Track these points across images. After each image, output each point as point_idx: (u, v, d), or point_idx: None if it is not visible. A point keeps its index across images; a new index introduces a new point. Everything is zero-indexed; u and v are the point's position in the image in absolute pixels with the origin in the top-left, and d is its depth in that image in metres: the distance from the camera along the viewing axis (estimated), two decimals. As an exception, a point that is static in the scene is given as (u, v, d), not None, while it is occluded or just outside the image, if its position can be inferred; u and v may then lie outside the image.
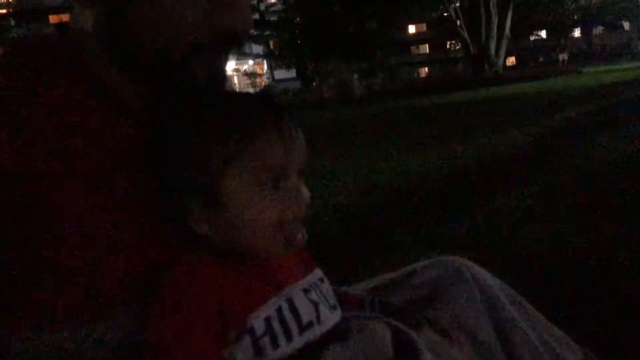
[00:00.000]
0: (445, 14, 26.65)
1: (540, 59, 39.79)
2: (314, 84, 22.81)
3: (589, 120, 5.84)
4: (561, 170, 3.53)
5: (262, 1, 37.21)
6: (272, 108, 0.72)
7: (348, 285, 1.03)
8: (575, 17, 38.57)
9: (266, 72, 44.43)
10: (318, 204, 3.24)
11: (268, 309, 0.69)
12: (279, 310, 0.70)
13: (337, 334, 0.74)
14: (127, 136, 0.71)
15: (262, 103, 0.73)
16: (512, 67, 35.94)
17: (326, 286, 0.80)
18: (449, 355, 0.82)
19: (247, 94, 0.78)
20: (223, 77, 0.76)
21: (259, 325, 0.68)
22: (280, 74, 41.04)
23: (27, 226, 0.64)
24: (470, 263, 0.99)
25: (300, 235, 0.72)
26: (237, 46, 0.73)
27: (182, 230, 0.71)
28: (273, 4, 37.93)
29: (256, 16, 34.61)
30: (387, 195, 3.46)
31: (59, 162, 0.65)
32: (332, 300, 0.78)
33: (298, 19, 32.88)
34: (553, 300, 1.58)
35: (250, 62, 45.51)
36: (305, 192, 0.73)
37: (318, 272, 0.81)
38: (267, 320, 0.68)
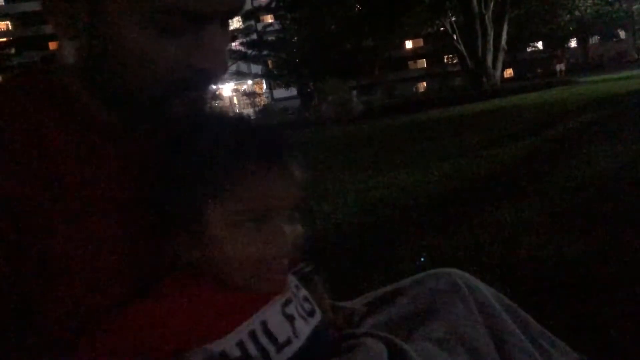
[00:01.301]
0: (441, 29, 26.82)
1: (538, 70, 39.93)
2: (314, 102, 22.92)
3: (587, 131, 5.85)
4: (559, 181, 3.54)
5: (259, 22, 37.53)
6: (259, 145, 0.70)
7: (347, 300, 1.04)
8: (571, 28, 38.78)
9: (265, 92, 44.65)
10: (319, 221, 3.25)
11: (239, 335, 0.68)
12: (253, 334, 0.69)
13: (322, 345, 0.74)
14: (113, 167, 0.72)
15: (246, 141, 0.70)
16: (510, 79, 36.08)
17: (302, 292, 0.79)
18: (445, 366, 0.83)
19: (236, 122, 0.76)
20: (204, 111, 0.75)
21: (230, 350, 0.67)
22: (279, 92, 41.24)
23: (20, 261, 0.64)
24: (464, 274, 1.00)
25: (278, 277, 0.72)
26: (213, 82, 0.73)
27: (168, 258, 0.71)
28: (270, 24, 38.23)
29: (254, 36, 34.89)
30: (387, 211, 3.47)
31: (46, 202, 0.65)
32: (309, 306, 0.77)
33: (295, 38, 33.15)
34: (551, 310, 1.59)
35: (250, 82, 45.75)
36: (293, 232, 0.71)
37: (293, 279, 0.80)
38: (241, 344, 0.68)
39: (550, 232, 2.48)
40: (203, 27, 0.68)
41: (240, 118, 0.77)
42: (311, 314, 0.77)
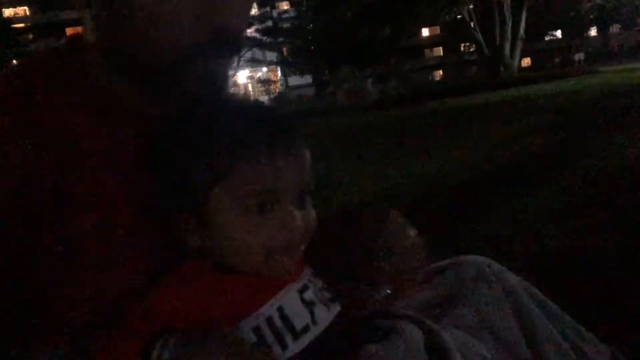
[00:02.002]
0: (458, 17, 26.53)
1: (556, 60, 39.40)
2: (328, 90, 22.84)
3: (606, 121, 5.77)
4: (579, 170, 3.50)
5: (274, 8, 37.40)
6: (268, 123, 0.69)
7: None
8: (591, 16, 38.16)
9: (280, 79, 44.61)
10: (334, 210, 3.24)
11: (256, 320, 0.67)
12: (270, 319, 0.68)
13: (344, 331, 0.73)
14: (131, 147, 0.72)
15: (256, 121, 0.69)
16: (528, 68, 35.64)
17: (320, 281, 0.78)
18: (473, 353, 0.82)
19: (247, 104, 0.75)
20: (223, 83, 0.74)
21: (247, 335, 0.66)
22: (294, 80, 41.16)
23: (35, 241, 0.65)
24: (491, 262, 0.98)
25: (290, 263, 0.70)
26: (233, 48, 0.71)
27: (179, 244, 0.70)
28: (285, 11, 38.10)
29: (269, 23, 34.80)
30: (402, 199, 3.46)
31: (64, 180, 0.66)
32: (329, 294, 0.76)
33: (311, 25, 33.01)
34: (577, 299, 1.57)
35: (264, 69, 45.72)
36: (304, 217, 0.69)
37: (309, 269, 0.78)
38: (257, 329, 0.67)
39: (572, 222, 2.46)
40: None
41: (254, 101, 0.76)
42: (333, 300, 0.75)
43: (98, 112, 0.71)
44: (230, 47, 0.70)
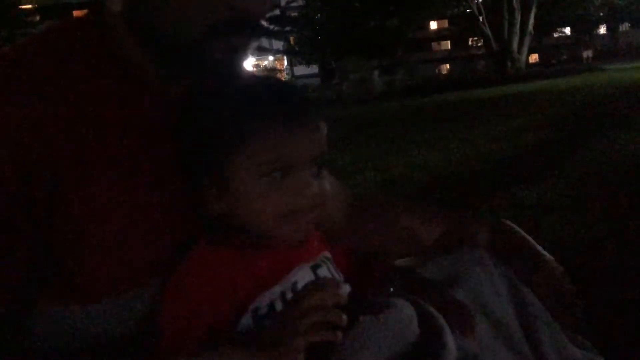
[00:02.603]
0: (467, 10, 26.38)
1: (564, 57, 39.18)
2: (334, 80, 22.78)
3: (611, 118, 5.76)
4: (581, 164, 3.52)
5: (283, -3, 37.20)
6: (286, 96, 0.72)
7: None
8: (601, 14, 37.87)
9: (286, 68, 44.50)
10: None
11: (272, 295, 0.70)
12: (283, 295, 0.70)
13: (361, 305, 0.75)
14: (152, 117, 0.73)
15: (275, 91, 0.72)
16: (535, 64, 35.48)
17: (333, 263, 0.81)
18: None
19: (265, 79, 0.79)
20: (241, 60, 0.76)
21: (262, 310, 0.69)
22: (300, 70, 41.03)
23: (61, 207, 0.66)
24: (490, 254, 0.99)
25: (306, 229, 0.72)
26: (253, 29, 0.73)
27: (201, 210, 0.72)
28: (294, 0, 37.92)
29: (277, 12, 34.65)
30: (405, 188, 3.47)
31: (88, 147, 0.67)
32: (340, 276, 0.79)
33: (319, 15, 32.85)
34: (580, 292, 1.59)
35: (271, 58, 45.59)
36: (320, 185, 0.72)
37: (326, 253, 0.81)
38: (272, 305, 0.69)
39: (571, 215, 2.47)
40: None
41: (271, 77, 0.78)
42: (345, 281, 0.78)
43: (120, 79, 0.72)
44: (250, 27, 0.72)
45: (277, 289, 0.70)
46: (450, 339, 0.75)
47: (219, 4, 0.68)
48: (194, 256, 0.71)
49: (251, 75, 0.81)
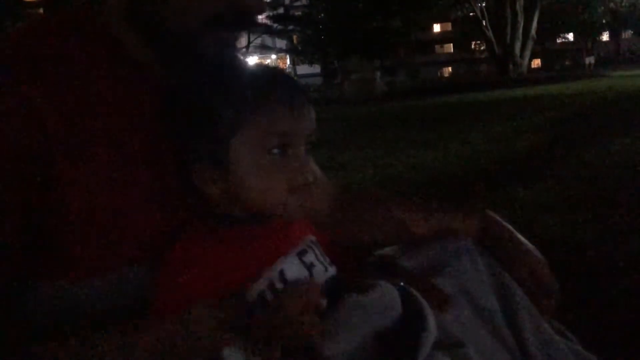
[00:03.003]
0: (471, 14, 26.39)
1: (567, 62, 39.15)
2: (336, 80, 22.77)
3: (610, 123, 5.77)
4: (577, 169, 3.54)
5: (287, -5, 37.16)
6: (283, 79, 0.75)
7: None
8: (604, 20, 37.85)
9: (289, 67, 44.46)
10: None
11: (261, 285, 0.71)
12: (271, 285, 0.72)
13: (336, 288, 0.77)
14: (146, 99, 0.75)
15: (273, 74, 0.76)
16: (537, 69, 35.45)
17: (319, 246, 0.82)
18: (450, 318, 0.85)
19: (259, 65, 0.82)
20: (234, 52, 0.78)
21: (253, 299, 0.70)
22: (302, 69, 41.02)
23: (54, 185, 0.67)
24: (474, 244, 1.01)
25: (306, 205, 0.74)
26: (250, 24, 0.75)
27: (194, 193, 0.74)
28: (298, -1, 37.89)
29: (280, 10, 34.61)
30: (403, 186, 3.49)
31: (82, 127, 0.68)
32: (326, 260, 0.81)
33: (322, 14, 32.82)
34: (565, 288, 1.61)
35: (273, 56, 45.60)
36: (314, 165, 0.76)
37: (311, 236, 0.83)
38: (262, 294, 0.71)
39: (565, 215, 2.49)
40: None
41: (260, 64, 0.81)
42: (331, 264, 0.80)
43: (115, 62, 0.74)
44: (247, 22, 0.74)
45: (265, 279, 0.72)
46: (431, 318, 0.77)
47: None
48: (184, 243, 0.72)
49: (244, 63, 0.83)
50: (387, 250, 1.07)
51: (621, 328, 1.44)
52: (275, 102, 0.71)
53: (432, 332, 0.76)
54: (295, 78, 0.88)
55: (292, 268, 0.74)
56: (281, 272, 0.73)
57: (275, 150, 0.72)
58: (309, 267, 0.76)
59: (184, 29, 0.71)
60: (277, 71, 0.78)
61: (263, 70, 0.78)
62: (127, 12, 0.74)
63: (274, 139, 0.71)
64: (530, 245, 0.95)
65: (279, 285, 0.72)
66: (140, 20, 0.74)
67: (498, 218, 0.98)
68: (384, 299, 0.76)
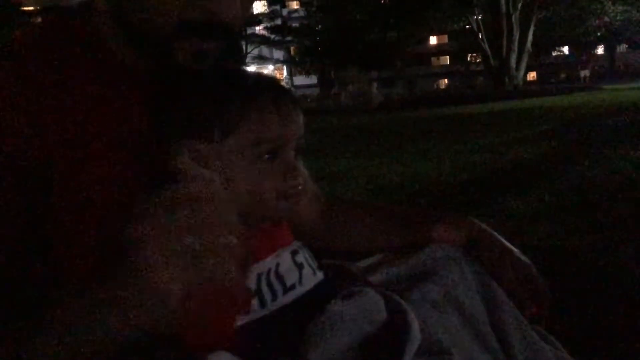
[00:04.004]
0: (467, 27, 26.60)
1: (562, 75, 39.45)
2: (333, 90, 22.89)
3: (604, 135, 5.82)
4: (569, 178, 3.57)
5: (284, 7, 37.42)
6: (270, 84, 0.75)
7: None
8: (599, 34, 38.17)
9: (286, 78, 44.65)
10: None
11: (259, 268, 0.72)
12: (269, 272, 0.73)
13: (324, 293, 0.78)
14: (137, 110, 0.74)
15: (260, 79, 0.76)
16: (533, 82, 35.70)
17: (307, 251, 0.83)
18: (437, 325, 0.86)
19: (246, 71, 0.81)
20: (211, 62, 0.76)
21: (250, 281, 0.71)
22: (299, 80, 41.21)
23: (52, 193, 0.67)
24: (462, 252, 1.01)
25: (297, 208, 0.75)
26: (225, 36, 0.73)
27: None
28: (295, 10, 38.14)
29: (278, 22, 34.84)
30: (396, 195, 3.50)
31: (75, 146, 0.68)
32: (315, 263, 0.81)
33: (320, 26, 33.05)
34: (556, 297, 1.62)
35: (271, 67, 45.77)
36: (303, 169, 0.75)
37: (298, 242, 0.83)
38: (260, 276, 0.72)
39: (557, 225, 2.50)
40: None
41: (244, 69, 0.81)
42: (319, 268, 0.81)
43: (107, 68, 0.74)
44: (222, 33, 0.73)
45: (265, 263, 0.73)
46: (415, 325, 0.77)
47: (194, 5, 0.69)
48: None
49: (232, 71, 0.83)
50: (373, 259, 1.08)
51: (612, 336, 1.44)
52: (263, 107, 0.71)
53: (416, 338, 0.75)
54: (292, 88, 0.88)
55: (285, 263, 0.75)
56: (278, 266, 0.74)
57: (266, 156, 0.72)
58: (299, 266, 0.77)
59: (158, 34, 0.71)
60: (264, 76, 0.78)
61: (250, 76, 0.78)
62: (114, 16, 0.75)
63: (261, 145, 0.71)
64: (516, 251, 0.95)
65: (273, 276, 0.73)
66: (120, 23, 0.74)
67: (483, 225, 0.98)
68: (369, 306, 0.76)
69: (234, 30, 0.75)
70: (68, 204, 0.68)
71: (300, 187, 0.75)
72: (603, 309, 1.59)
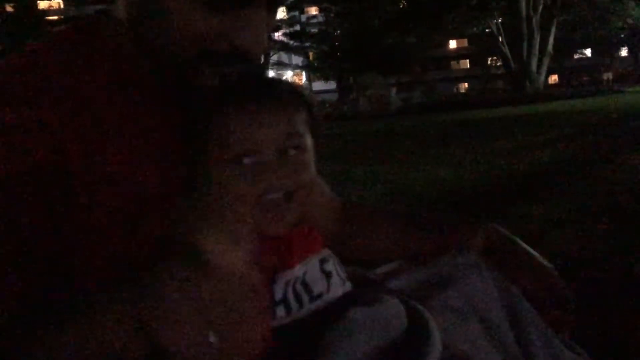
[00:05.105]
0: (487, 30, 26.43)
1: (584, 78, 38.91)
2: (352, 96, 22.89)
3: (624, 138, 5.72)
4: (591, 183, 3.51)
5: (303, 13, 37.58)
6: (251, 81, 0.73)
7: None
8: (622, 36, 37.60)
9: (305, 83, 44.81)
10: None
11: (287, 277, 0.72)
12: (295, 281, 0.72)
13: (352, 300, 0.77)
14: (155, 126, 0.75)
15: (244, 78, 0.73)
16: (554, 85, 35.28)
17: (337, 260, 0.81)
18: (457, 333, 0.84)
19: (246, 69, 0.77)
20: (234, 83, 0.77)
21: (278, 287, 0.71)
22: (318, 85, 41.30)
23: (72, 199, 0.67)
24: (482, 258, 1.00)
25: (284, 215, 0.71)
26: (245, 65, 0.74)
27: None
28: (314, 16, 38.27)
29: (297, 27, 34.99)
30: (415, 201, 3.48)
31: (93, 160, 0.68)
32: (344, 273, 0.80)
33: (338, 31, 33.10)
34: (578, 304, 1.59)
35: (290, 72, 45.97)
36: (292, 171, 0.71)
37: (327, 250, 0.81)
38: (287, 284, 0.71)
39: (578, 230, 2.47)
40: (249, 6, 0.71)
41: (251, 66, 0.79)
42: (347, 279, 0.79)
43: (121, 81, 0.74)
44: (242, 63, 0.74)
45: (294, 272, 0.72)
46: (436, 333, 0.75)
47: (217, 35, 0.70)
48: None
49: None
50: (391, 265, 1.07)
51: (636, 343, 1.41)
52: (234, 109, 0.70)
53: (437, 348, 0.74)
54: (311, 94, 0.86)
55: (314, 272, 0.74)
56: (305, 274, 0.73)
57: (245, 160, 0.70)
58: (328, 275, 0.76)
59: (177, 58, 0.72)
60: (256, 74, 0.76)
61: (240, 75, 0.75)
62: (132, 28, 0.75)
63: (235, 147, 0.70)
64: (537, 255, 0.93)
65: (299, 284, 0.72)
66: (140, 42, 0.75)
67: (503, 230, 0.97)
68: (389, 313, 0.75)
69: (260, 52, 0.75)
70: (87, 203, 0.68)
71: (281, 194, 0.71)
72: (628, 318, 1.56)
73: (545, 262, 0.92)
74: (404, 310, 0.79)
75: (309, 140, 0.75)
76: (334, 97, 32.00)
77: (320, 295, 0.74)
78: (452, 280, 0.94)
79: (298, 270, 0.73)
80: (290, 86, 0.76)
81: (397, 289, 0.94)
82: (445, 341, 0.78)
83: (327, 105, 20.89)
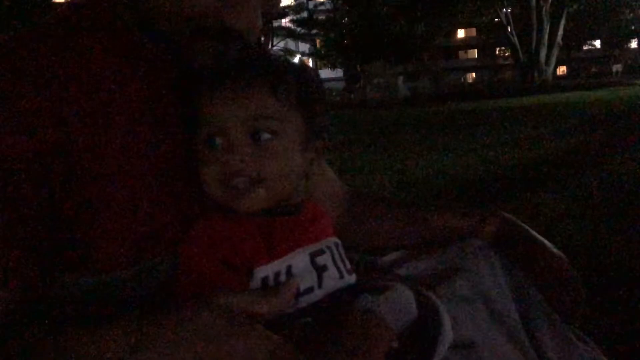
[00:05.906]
0: (496, 20, 26.22)
1: (593, 70, 38.60)
2: (359, 84, 22.79)
3: (633, 130, 5.68)
4: (600, 176, 3.49)
5: (310, 0, 37.37)
6: (225, 61, 0.73)
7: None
8: (632, 27, 37.23)
9: (311, 71, 44.57)
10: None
11: (266, 271, 0.69)
12: (277, 274, 0.70)
13: (347, 296, 0.75)
14: (159, 98, 0.75)
15: (221, 58, 0.74)
16: (563, 76, 35.04)
17: (342, 251, 0.79)
18: (466, 320, 0.84)
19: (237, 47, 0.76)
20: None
21: (254, 283, 0.68)
22: (325, 73, 41.17)
23: (75, 181, 0.68)
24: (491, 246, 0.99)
25: (250, 198, 0.70)
26: (239, 44, 0.74)
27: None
28: (321, 3, 38.07)
29: (304, 14, 34.82)
30: (421, 190, 3.47)
31: (98, 133, 0.69)
32: (346, 266, 0.78)
33: (346, 19, 32.94)
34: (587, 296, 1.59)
35: (296, 60, 45.85)
36: (259, 151, 0.70)
37: (335, 239, 0.80)
38: (266, 279, 0.69)
39: (587, 222, 2.46)
40: None
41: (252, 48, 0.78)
42: (349, 272, 0.78)
43: (126, 56, 0.75)
44: (235, 42, 0.73)
45: (272, 266, 0.70)
46: (447, 321, 0.75)
47: (208, 12, 0.70)
48: (194, 228, 0.72)
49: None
50: (399, 254, 1.06)
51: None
52: (208, 88, 0.70)
53: (448, 335, 0.74)
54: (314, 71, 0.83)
55: (299, 265, 0.72)
56: (289, 267, 0.71)
57: (208, 142, 0.70)
58: (320, 269, 0.74)
59: (174, 33, 0.72)
60: (235, 53, 0.74)
61: (219, 56, 0.74)
62: (130, 10, 0.76)
63: (202, 129, 0.71)
64: (548, 243, 0.93)
65: (282, 278, 0.70)
66: (139, 17, 0.75)
67: (513, 218, 0.96)
68: (399, 301, 0.75)
69: (253, 32, 0.74)
70: (91, 179, 0.68)
71: (240, 173, 0.69)
72: (635, 310, 1.55)
73: (557, 251, 0.92)
74: (414, 298, 0.78)
75: (291, 127, 0.72)
76: (341, 85, 31.89)
77: (309, 291, 0.72)
78: (461, 268, 0.94)
79: (279, 265, 0.70)
80: (282, 66, 0.74)
81: (405, 276, 0.94)
82: (453, 328, 0.78)
83: (334, 93, 20.81)
